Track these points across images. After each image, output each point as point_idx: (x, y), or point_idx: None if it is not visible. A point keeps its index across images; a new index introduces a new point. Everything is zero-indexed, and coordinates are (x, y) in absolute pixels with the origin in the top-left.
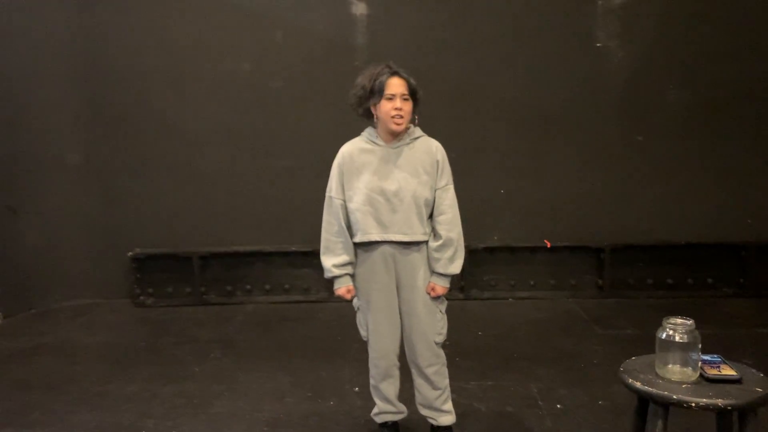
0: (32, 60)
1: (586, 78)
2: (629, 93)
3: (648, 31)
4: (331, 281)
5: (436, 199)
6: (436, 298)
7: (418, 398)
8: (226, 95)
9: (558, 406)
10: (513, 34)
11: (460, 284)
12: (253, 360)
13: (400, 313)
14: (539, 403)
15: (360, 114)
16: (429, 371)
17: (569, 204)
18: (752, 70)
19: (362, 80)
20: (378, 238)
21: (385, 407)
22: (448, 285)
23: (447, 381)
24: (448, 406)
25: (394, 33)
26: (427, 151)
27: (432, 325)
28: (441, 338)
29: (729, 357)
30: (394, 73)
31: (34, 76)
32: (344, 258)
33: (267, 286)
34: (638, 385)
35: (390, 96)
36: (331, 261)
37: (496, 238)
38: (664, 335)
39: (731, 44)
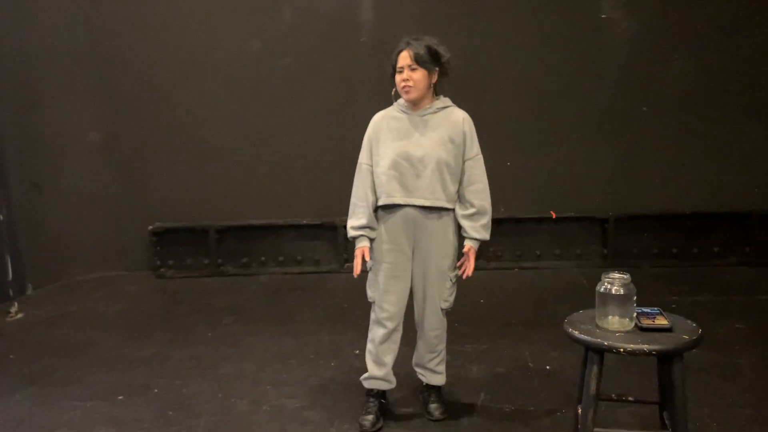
0: (52, 45)
1: (591, 49)
2: (634, 64)
3: (653, 1)
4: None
5: (467, 170)
6: (450, 267)
7: (414, 357)
8: (236, 73)
9: (547, 367)
10: (518, 7)
11: None
12: (262, 325)
13: (413, 277)
14: (529, 364)
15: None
16: (431, 335)
17: (574, 175)
18: (757, 39)
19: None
20: (401, 201)
21: (376, 372)
22: (474, 254)
23: (444, 345)
24: (441, 368)
25: (399, 9)
26: (454, 120)
27: (441, 291)
28: (447, 305)
29: (721, 322)
30: (406, 46)
31: (54, 59)
32: (362, 221)
33: (280, 258)
34: (576, 333)
35: (399, 69)
36: (351, 223)
37: (502, 209)
38: (602, 289)
39: (737, 13)
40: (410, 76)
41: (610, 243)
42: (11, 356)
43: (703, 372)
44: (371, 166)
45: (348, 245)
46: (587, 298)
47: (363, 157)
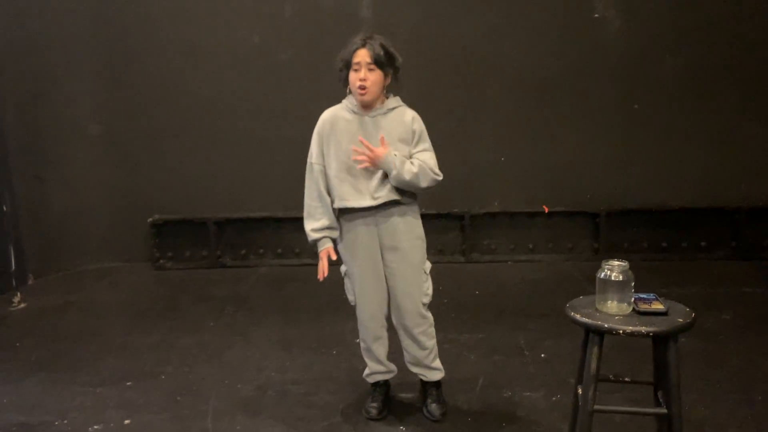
0: (55, 35)
1: (584, 47)
2: (626, 62)
3: (644, 0)
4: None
5: (414, 156)
6: (421, 261)
7: (407, 357)
8: (238, 67)
9: (542, 355)
10: (513, 4)
11: (461, 248)
12: (264, 315)
13: (387, 277)
14: (525, 352)
15: (342, 85)
16: (415, 332)
17: (567, 170)
18: (745, 38)
19: (341, 53)
20: (355, 205)
21: (377, 368)
22: (386, 162)
23: (434, 341)
24: (437, 363)
25: (398, 5)
26: (403, 120)
27: (417, 286)
28: (427, 299)
29: (709, 313)
30: (363, 44)
31: (57, 50)
32: (323, 222)
33: (279, 250)
34: (578, 317)
35: (356, 67)
36: (311, 225)
37: (496, 203)
38: (602, 275)
39: (725, 12)
40: (367, 76)
41: (602, 237)
42: (17, 344)
43: (692, 359)
44: (323, 166)
45: None
46: (579, 289)
47: (314, 157)
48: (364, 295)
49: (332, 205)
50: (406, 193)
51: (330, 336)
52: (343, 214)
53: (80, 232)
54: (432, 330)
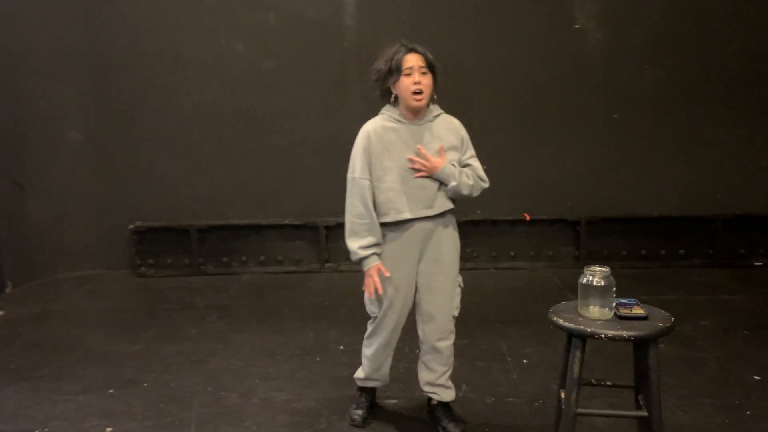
0: (36, 42)
1: (565, 58)
2: (606, 73)
3: (624, 12)
4: (359, 263)
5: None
6: (456, 273)
7: (426, 375)
8: (221, 75)
9: (524, 361)
10: (495, 16)
11: None
12: (247, 323)
13: (419, 288)
14: (507, 358)
15: (378, 95)
16: (442, 345)
17: (548, 179)
18: (724, 50)
19: (378, 63)
20: (410, 216)
21: (374, 375)
22: (445, 174)
23: (453, 358)
24: (450, 382)
25: (381, 15)
26: (451, 127)
27: (451, 299)
28: (457, 312)
29: (687, 319)
30: (411, 49)
31: (39, 57)
32: (370, 239)
33: (261, 257)
34: (561, 321)
35: (408, 71)
36: (357, 243)
37: (479, 211)
38: (584, 280)
39: (705, 24)
40: (422, 79)
41: (582, 245)
42: None
43: (672, 365)
44: (370, 181)
45: (329, 245)
46: (560, 297)
47: (358, 172)
48: (393, 308)
49: (384, 219)
50: (455, 201)
51: (314, 344)
52: (390, 226)
53: (60, 239)
54: (452, 347)
